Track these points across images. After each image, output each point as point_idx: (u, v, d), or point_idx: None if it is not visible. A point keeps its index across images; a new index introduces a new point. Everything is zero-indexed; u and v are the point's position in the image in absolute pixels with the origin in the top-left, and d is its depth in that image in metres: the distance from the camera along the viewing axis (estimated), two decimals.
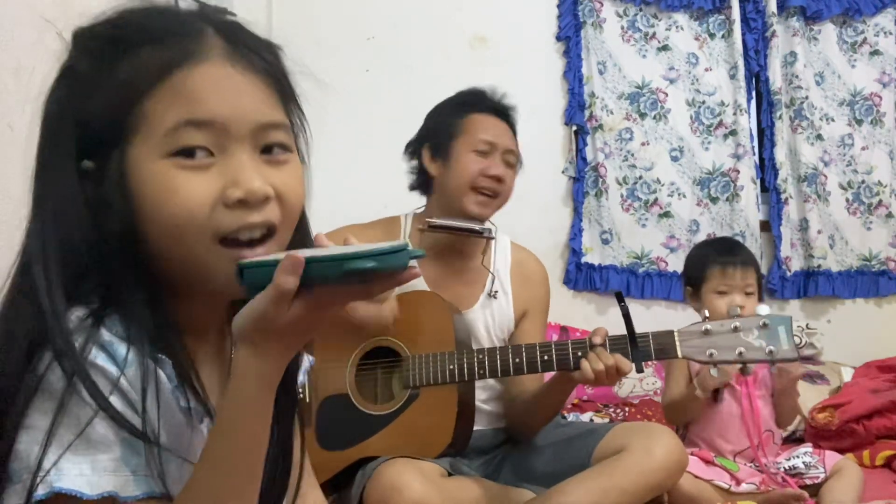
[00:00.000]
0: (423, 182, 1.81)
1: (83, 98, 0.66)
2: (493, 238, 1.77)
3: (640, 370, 1.44)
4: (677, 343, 1.42)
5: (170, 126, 0.64)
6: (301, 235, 0.74)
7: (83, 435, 0.60)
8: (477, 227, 1.72)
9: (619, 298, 1.47)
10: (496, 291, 1.77)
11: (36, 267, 0.64)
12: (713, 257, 1.92)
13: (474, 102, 1.79)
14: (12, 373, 0.61)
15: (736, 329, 1.38)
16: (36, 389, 0.60)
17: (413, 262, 0.60)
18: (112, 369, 0.63)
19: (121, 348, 0.64)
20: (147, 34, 0.66)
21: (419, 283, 1.73)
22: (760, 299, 1.88)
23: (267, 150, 0.68)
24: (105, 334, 0.64)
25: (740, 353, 1.37)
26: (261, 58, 0.69)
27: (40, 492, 0.59)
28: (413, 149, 1.81)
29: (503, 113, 1.80)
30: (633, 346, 1.44)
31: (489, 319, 1.77)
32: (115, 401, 0.62)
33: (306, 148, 0.75)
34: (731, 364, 1.42)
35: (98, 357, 0.62)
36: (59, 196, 0.66)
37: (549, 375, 1.63)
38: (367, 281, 0.59)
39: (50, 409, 0.60)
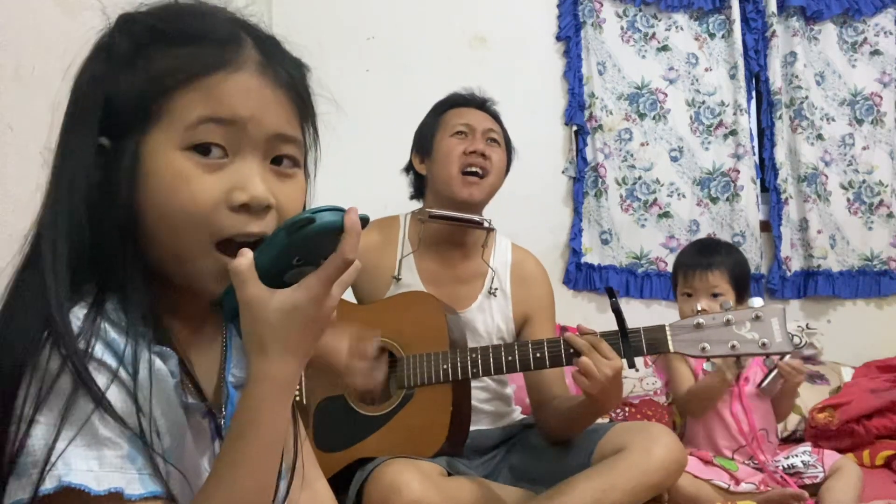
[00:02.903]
0: (418, 186, 1.86)
1: (116, 77, 0.68)
2: (492, 230, 1.77)
3: (631, 365, 1.42)
4: (669, 337, 1.40)
5: (192, 121, 0.66)
6: None
7: (92, 431, 0.61)
8: (476, 217, 1.73)
9: (611, 294, 1.45)
10: (496, 289, 1.77)
11: (46, 239, 0.66)
12: (682, 260, 1.94)
13: (449, 101, 1.86)
14: (18, 348, 0.62)
15: (728, 322, 1.36)
16: (51, 389, 0.60)
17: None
18: (112, 362, 0.63)
19: (122, 342, 0.65)
20: (190, 33, 0.69)
21: (415, 282, 1.74)
22: (741, 301, 1.87)
23: (276, 161, 0.71)
24: (109, 330, 0.64)
25: (733, 347, 1.35)
26: (289, 74, 0.72)
27: (48, 485, 0.59)
28: (407, 163, 1.87)
29: (479, 104, 1.84)
30: (625, 341, 1.42)
31: (488, 318, 1.76)
32: (115, 395, 0.62)
33: (314, 165, 0.78)
34: (724, 358, 1.40)
35: (98, 350, 0.63)
36: (76, 168, 0.67)
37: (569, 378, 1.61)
38: (316, 246, 0.65)
39: (59, 406, 0.60)
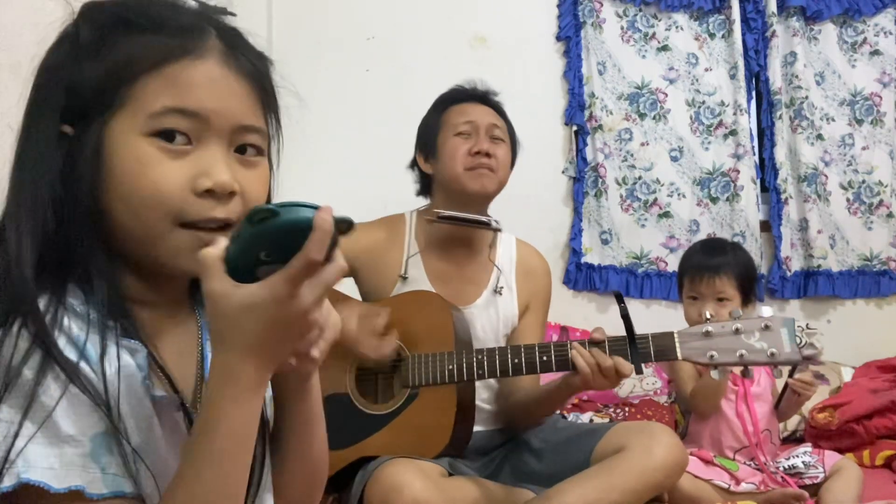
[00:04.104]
0: (424, 184, 1.85)
1: (79, 64, 0.68)
2: (500, 230, 1.77)
3: (639, 371, 1.42)
4: (677, 345, 1.40)
5: (157, 109, 0.67)
6: None
7: (53, 428, 0.60)
8: (484, 218, 1.73)
9: (619, 299, 1.46)
10: (501, 288, 1.78)
11: (10, 227, 0.66)
12: (689, 262, 1.93)
13: (451, 97, 1.84)
14: None
15: (737, 331, 1.35)
16: (13, 382, 0.60)
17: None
18: (76, 358, 0.63)
19: (83, 335, 0.64)
20: (154, 22, 0.69)
21: (422, 279, 1.74)
22: (747, 303, 1.87)
23: (240, 150, 0.71)
24: (73, 326, 0.64)
25: (741, 356, 1.34)
26: (252, 65, 0.73)
27: (7, 483, 0.58)
28: (411, 160, 1.86)
29: (481, 98, 1.82)
30: (633, 347, 1.43)
31: (492, 315, 1.77)
32: (79, 393, 0.62)
33: (277, 155, 0.79)
34: (732, 366, 1.40)
35: (61, 343, 0.63)
36: (39, 155, 0.68)
37: (546, 377, 1.63)
38: (284, 243, 0.60)
39: (20, 402, 0.60)
